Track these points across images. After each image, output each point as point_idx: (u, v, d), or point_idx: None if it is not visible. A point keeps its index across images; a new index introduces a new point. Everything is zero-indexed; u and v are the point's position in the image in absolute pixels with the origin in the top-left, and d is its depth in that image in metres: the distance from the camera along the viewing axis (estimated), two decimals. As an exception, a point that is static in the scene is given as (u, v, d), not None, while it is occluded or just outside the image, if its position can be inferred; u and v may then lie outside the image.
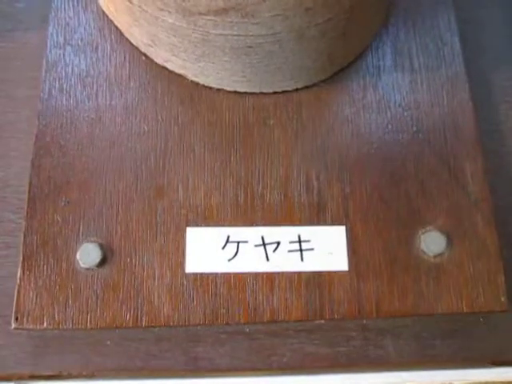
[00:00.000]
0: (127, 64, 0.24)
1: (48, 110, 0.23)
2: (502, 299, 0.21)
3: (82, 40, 0.25)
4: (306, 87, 0.23)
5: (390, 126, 0.23)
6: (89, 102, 0.23)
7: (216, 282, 0.21)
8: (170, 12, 0.18)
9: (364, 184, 0.22)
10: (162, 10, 0.18)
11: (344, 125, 0.23)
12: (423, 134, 0.23)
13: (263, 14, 0.16)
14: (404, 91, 0.24)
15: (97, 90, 0.24)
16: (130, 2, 0.19)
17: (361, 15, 0.21)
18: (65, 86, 0.24)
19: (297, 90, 0.23)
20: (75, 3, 0.25)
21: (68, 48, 0.24)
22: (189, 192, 0.22)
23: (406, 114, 0.23)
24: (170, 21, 0.18)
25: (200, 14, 0.17)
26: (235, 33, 0.18)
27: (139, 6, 0.19)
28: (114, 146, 0.23)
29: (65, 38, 0.25)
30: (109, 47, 0.24)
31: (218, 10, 0.16)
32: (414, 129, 0.23)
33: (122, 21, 0.23)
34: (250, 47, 0.19)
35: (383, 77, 0.24)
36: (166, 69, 0.23)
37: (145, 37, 0.22)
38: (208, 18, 0.17)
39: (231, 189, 0.22)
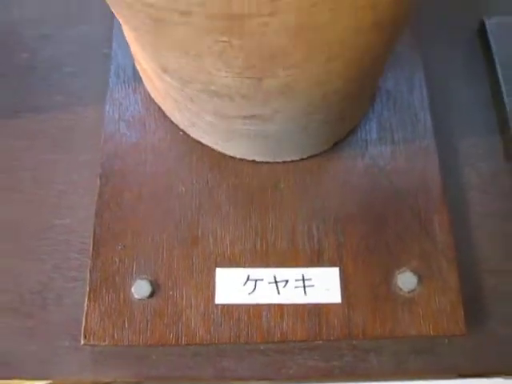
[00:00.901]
0: (168, 137, 0.31)
1: (107, 173, 0.30)
2: (461, 326, 0.27)
3: (132, 117, 0.32)
4: (309, 157, 0.30)
5: (374, 188, 0.30)
6: (139, 167, 0.31)
7: (239, 311, 0.27)
8: (209, 114, 0.25)
9: (354, 234, 0.29)
10: (203, 110, 0.25)
11: (339, 187, 0.30)
12: (400, 194, 0.30)
13: (278, 119, 0.24)
14: (386, 159, 0.31)
15: (145, 158, 0.31)
16: (176, 101, 0.27)
17: (353, 109, 0.29)
18: (120, 153, 0.31)
19: (302, 159, 0.30)
20: (126, 86, 0.33)
21: (122, 123, 0.32)
22: (217, 241, 0.29)
23: (387, 178, 0.31)
24: (208, 119, 0.26)
25: (233, 117, 0.24)
26: (257, 128, 0.25)
27: (185, 105, 0.26)
28: (159, 204, 0.30)
29: (119, 115, 0.32)
30: (153, 124, 0.32)
31: (247, 115, 0.23)
32: (393, 190, 0.30)
33: (166, 106, 0.31)
34: (267, 136, 0.26)
35: (370, 148, 0.31)
36: (200, 142, 0.31)
37: (185, 121, 0.29)
38: (239, 120, 0.24)
39: (250, 238, 0.29)
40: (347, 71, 0.21)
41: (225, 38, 0.15)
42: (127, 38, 0.29)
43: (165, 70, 0.22)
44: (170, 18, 0.15)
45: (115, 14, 0.22)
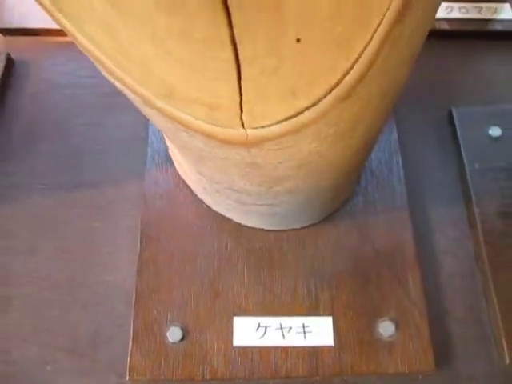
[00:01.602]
0: (194, 210, 0.40)
1: (146, 238, 0.39)
2: (431, 365, 0.35)
3: (166, 193, 0.41)
4: (308, 226, 0.39)
5: (360, 251, 0.38)
6: (171, 233, 0.39)
7: (252, 352, 0.35)
8: (230, 200, 0.33)
9: (344, 290, 0.37)
10: (225, 198, 0.34)
11: (331, 251, 0.38)
12: (381, 257, 0.38)
13: (284, 206, 0.32)
14: (370, 228, 0.39)
15: (176, 226, 0.39)
16: (205, 188, 0.35)
17: (344, 190, 0.37)
18: (156, 222, 0.39)
19: (302, 228, 0.39)
20: (160, 167, 0.42)
21: (157, 197, 0.40)
22: (234, 295, 0.37)
23: (370, 243, 0.38)
24: (229, 202, 0.34)
25: (249, 204, 0.32)
26: (267, 210, 0.33)
27: (211, 192, 0.35)
28: (188, 264, 0.38)
29: (155, 191, 0.41)
30: (183, 198, 0.40)
31: (260, 203, 0.32)
32: (375, 253, 0.38)
33: (194, 188, 0.39)
34: (275, 214, 0.35)
35: (356, 218, 0.39)
36: (220, 214, 0.39)
37: (210, 200, 0.38)
38: (253, 206, 0.32)
39: (261, 293, 0.37)
40: (339, 177, 0.29)
41: (248, 169, 0.24)
42: (167, 143, 0.38)
43: (200, 173, 0.31)
44: (212, 156, 0.23)
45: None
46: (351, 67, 0.16)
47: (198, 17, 0.15)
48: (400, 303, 0.37)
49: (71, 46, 0.20)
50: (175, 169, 0.41)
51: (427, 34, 0.20)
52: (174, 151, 0.39)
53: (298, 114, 0.18)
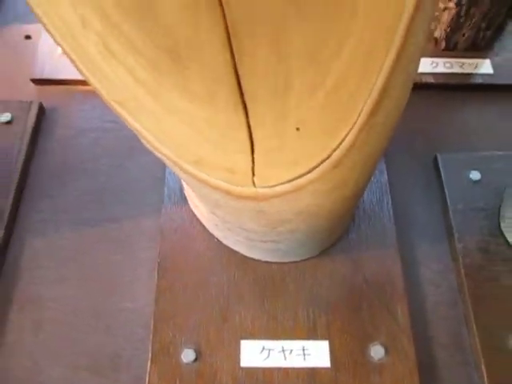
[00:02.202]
0: (206, 244, 0.45)
1: (162, 269, 0.44)
2: (417, 385, 0.39)
3: (180, 228, 0.46)
4: (307, 259, 0.44)
5: (353, 282, 0.43)
6: (185, 264, 0.44)
7: (257, 373, 0.39)
8: (238, 236, 0.39)
9: (339, 316, 0.42)
10: (235, 234, 0.39)
11: (328, 281, 0.43)
12: (372, 287, 0.43)
13: (286, 242, 0.37)
14: (362, 261, 0.44)
15: (189, 257, 0.44)
16: (216, 225, 0.41)
17: (339, 228, 0.42)
18: (171, 254, 0.44)
19: (302, 260, 0.44)
20: (176, 205, 0.47)
21: (173, 232, 0.46)
22: (241, 320, 0.41)
23: (362, 275, 0.43)
24: (237, 238, 0.39)
25: (255, 240, 0.37)
26: (271, 246, 0.38)
27: (222, 229, 0.40)
28: (200, 292, 0.43)
29: (171, 226, 0.46)
30: (195, 233, 0.46)
31: (265, 240, 0.37)
32: (367, 283, 0.43)
33: (206, 224, 0.44)
34: (278, 250, 0.40)
35: (350, 252, 0.44)
36: (229, 248, 0.44)
37: (220, 235, 0.43)
38: (259, 242, 0.38)
39: (265, 319, 0.41)
40: (334, 220, 0.35)
41: (256, 215, 0.29)
42: (183, 184, 0.44)
43: (213, 213, 0.36)
44: (227, 204, 0.29)
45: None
46: (337, 147, 0.21)
47: (224, 109, 0.21)
48: (389, 329, 0.41)
49: (96, 94, 0.24)
50: (189, 206, 0.47)
51: (402, 110, 0.26)
52: (189, 192, 0.44)
53: (298, 178, 0.23)
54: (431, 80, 0.54)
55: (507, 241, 0.45)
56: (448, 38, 0.54)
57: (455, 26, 0.52)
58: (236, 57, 0.18)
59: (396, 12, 0.16)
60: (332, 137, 0.21)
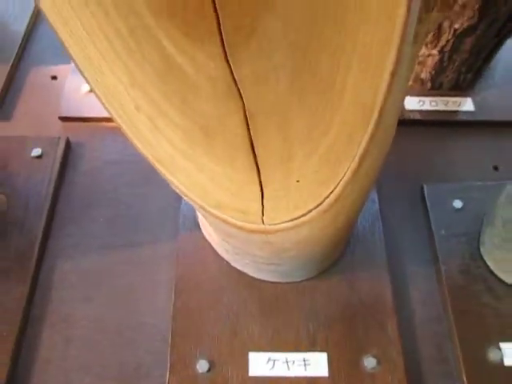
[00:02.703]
0: (217, 266, 0.51)
1: (179, 289, 0.50)
2: (406, 393, 0.45)
3: (194, 252, 0.52)
4: (307, 279, 0.49)
5: (349, 300, 0.49)
6: (199, 285, 0.50)
7: (264, 381, 0.45)
8: (246, 259, 0.44)
9: (336, 331, 0.47)
10: (243, 258, 0.45)
11: (326, 299, 0.49)
12: (365, 306, 0.49)
13: (287, 265, 0.43)
14: (356, 282, 0.50)
15: (202, 279, 0.50)
16: (227, 250, 0.47)
17: (335, 252, 0.48)
18: (186, 276, 0.50)
19: (302, 281, 0.49)
20: (190, 231, 0.53)
21: (187, 256, 0.51)
22: (250, 334, 0.47)
23: (357, 294, 0.49)
24: (245, 261, 0.45)
25: (261, 263, 0.43)
26: (274, 268, 0.44)
27: (232, 253, 0.46)
28: (213, 309, 0.48)
29: (185, 250, 0.52)
30: (207, 256, 0.52)
31: (269, 263, 0.43)
32: (361, 302, 0.49)
33: (218, 249, 0.50)
34: (280, 271, 0.46)
35: (345, 274, 0.50)
36: (237, 269, 0.50)
37: (230, 258, 0.49)
38: (264, 265, 0.44)
39: (270, 332, 0.47)
40: (330, 246, 0.41)
41: (263, 245, 0.35)
42: (198, 214, 0.50)
43: (225, 241, 0.42)
44: (238, 236, 0.35)
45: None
46: (328, 196, 0.28)
47: (242, 170, 0.27)
48: (381, 343, 0.47)
49: (118, 129, 0.29)
50: (202, 233, 0.53)
51: (382, 162, 0.32)
52: (202, 221, 0.50)
53: (297, 218, 0.30)
54: (418, 117, 0.60)
55: (486, 263, 0.50)
56: (433, 79, 0.60)
57: (439, 69, 0.59)
58: (252, 133, 0.25)
59: (373, 98, 0.23)
60: (324, 188, 0.27)
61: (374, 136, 0.24)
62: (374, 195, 0.55)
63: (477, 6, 0.50)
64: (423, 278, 0.52)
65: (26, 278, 0.51)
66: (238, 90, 0.23)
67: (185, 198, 0.30)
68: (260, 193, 0.28)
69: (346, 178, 0.27)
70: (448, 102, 0.61)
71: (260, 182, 0.27)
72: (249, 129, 0.25)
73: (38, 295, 0.51)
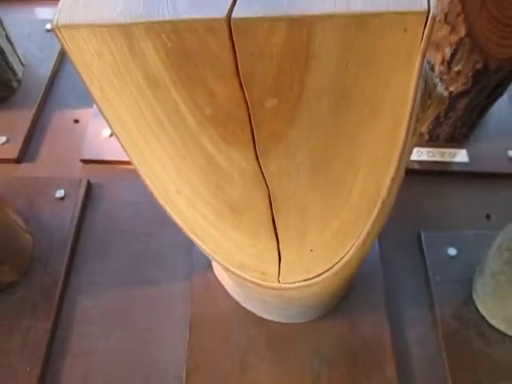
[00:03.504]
0: (227, 304, 0.55)
1: (193, 327, 0.54)
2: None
3: (205, 291, 0.56)
4: (312, 320, 0.54)
5: (351, 341, 0.53)
6: (211, 322, 0.54)
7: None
8: (256, 302, 0.49)
9: (339, 368, 0.52)
10: (251, 299, 0.49)
11: (330, 338, 0.53)
12: (366, 345, 0.53)
13: (293, 310, 0.47)
14: (358, 323, 0.54)
15: (214, 316, 0.54)
16: (238, 294, 0.51)
17: (337, 296, 0.52)
18: (200, 315, 0.54)
19: (308, 321, 0.54)
20: (203, 270, 0.57)
21: (201, 296, 0.56)
22: (257, 370, 0.51)
23: (358, 335, 0.53)
24: (255, 304, 0.49)
25: (270, 308, 0.48)
26: (282, 311, 0.49)
27: (244, 295, 0.50)
28: (224, 347, 0.53)
29: (199, 291, 0.56)
30: (218, 295, 0.56)
31: (278, 308, 0.47)
32: (362, 343, 0.53)
33: (227, 288, 0.55)
34: (287, 314, 0.50)
35: (348, 315, 0.54)
36: (247, 309, 0.54)
37: (239, 299, 0.53)
38: (274, 309, 0.48)
39: (277, 369, 0.51)
40: (334, 295, 0.45)
41: (276, 296, 0.39)
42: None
43: (239, 288, 0.47)
44: (253, 289, 0.39)
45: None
46: (337, 262, 0.32)
47: (263, 241, 0.32)
48: (380, 380, 0.51)
49: (135, 172, 0.32)
50: (213, 272, 0.57)
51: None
52: (216, 264, 0.55)
53: (310, 279, 0.34)
54: (416, 166, 0.66)
55: (478, 310, 0.55)
56: (430, 132, 0.66)
57: (436, 124, 0.64)
58: (274, 212, 0.29)
59: (377, 194, 0.27)
60: (334, 257, 0.32)
61: (377, 219, 0.29)
62: (375, 242, 0.60)
63: (470, 74, 0.55)
64: (420, 321, 0.56)
65: (50, 313, 0.55)
66: (265, 180, 0.28)
67: (210, 258, 0.35)
68: (278, 258, 0.33)
69: (352, 250, 0.31)
70: (444, 153, 0.66)
71: (278, 249, 0.32)
72: (271, 209, 0.29)
73: (60, 330, 0.55)
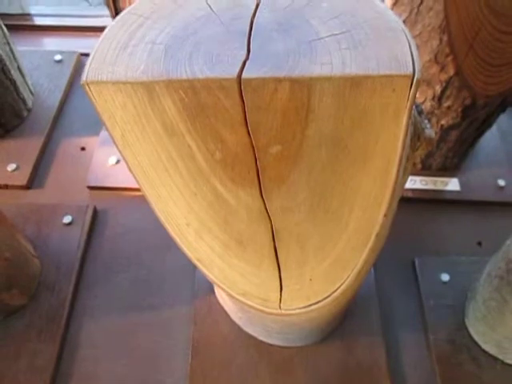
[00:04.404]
0: (229, 328, 0.57)
1: (195, 351, 0.55)
2: None
3: (208, 317, 0.58)
4: (311, 344, 0.56)
5: (348, 364, 0.55)
6: (213, 348, 0.56)
7: None
8: (257, 327, 0.51)
9: (336, 394, 0.53)
10: (252, 324, 0.51)
11: (327, 362, 0.55)
12: (363, 368, 0.55)
13: (295, 333, 0.50)
14: (355, 347, 0.56)
15: (216, 341, 0.56)
16: (240, 318, 0.53)
17: (336, 322, 0.55)
18: (202, 339, 0.56)
19: (306, 345, 0.56)
20: (205, 295, 0.59)
21: (204, 321, 0.58)
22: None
23: (355, 358, 0.55)
24: (257, 329, 0.52)
25: (271, 331, 0.50)
26: (283, 336, 0.51)
27: (244, 320, 0.52)
28: (225, 370, 0.54)
29: (201, 316, 0.58)
30: (221, 319, 0.58)
31: (279, 332, 0.49)
32: (357, 364, 0.55)
33: (229, 313, 0.57)
34: (288, 339, 0.52)
35: (345, 339, 0.57)
36: (248, 333, 0.56)
37: (240, 323, 0.55)
38: (275, 333, 0.50)
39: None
40: (332, 321, 0.47)
41: (277, 321, 0.42)
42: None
43: (241, 313, 0.49)
44: (256, 314, 0.42)
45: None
46: (335, 291, 0.35)
47: (266, 270, 0.34)
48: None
49: (140, 198, 0.36)
50: (216, 297, 0.59)
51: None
52: (219, 289, 0.57)
53: (309, 306, 0.36)
54: (410, 194, 0.69)
55: (470, 334, 0.57)
56: (423, 162, 0.69)
57: (429, 154, 0.67)
58: (276, 243, 0.32)
59: (371, 229, 0.30)
60: (332, 285, 0.34)
61: (373, 248, 0.32)
62: (371, 268, 0.62)
63: (460, 109, 0.58)
64: (415, 345, 0.58)
65: (56, 337, 0.57)
66: (268, 215, 0.31)
67: (215, 284, 0.37)
68: (279, 286, 0.35)
69: (349, 279, 0.34)
70: (436, 181, 0.70)
71: (280, 278, 0.34)
72: (274, 241, 0.32)
73: (65, 354, 0.57)
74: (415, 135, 0.33)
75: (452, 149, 0.66)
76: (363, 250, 0.32)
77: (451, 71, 0.56)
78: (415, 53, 0.24)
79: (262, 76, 0.24)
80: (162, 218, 0.32)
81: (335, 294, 0.35)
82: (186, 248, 0.34)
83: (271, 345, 0.56)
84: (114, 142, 0.29)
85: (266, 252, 0.33)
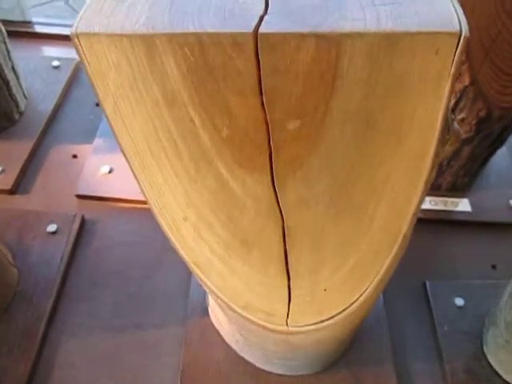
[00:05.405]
0: (223, 353, 0.52)
1: (185, 377, 0.50)
2: None
3: (201, 337, 0.53)
4: (314, 373, 0.50)
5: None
6: (205, 372, 0.50)
7: None
8: (257, 351, 0.46)
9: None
10: (252, 345, 0.46)
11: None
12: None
13: (298, 360, 0.44)
14: (362, 375, 0.51)
15: (209, 363, 0.51)
16: (237, 341, 0.48)
17: (342, 347, 0.50)
18: (193, 361, 0.51)
19: (308, 374, 0.50)
20: (198, 316, 0.54)
21: (195, 343, 0.52)
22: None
23: (348, 369, 0.50)
24: (255, 353, 0.46)
25: (273, 357, 0.45)
26: (285, 362, 0.46)
27: (243, 342, 0.47)
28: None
29: (196, 338, 0.53)
30: (215, 342, 0.53)
31: (280, 358, 0.44)
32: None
33: (225, 336, 0.52)
34: (289, 365, 0.47)
35: (352, 367, 0.51)
36: (244, 358, 0.51)
37: (237, 348, 0.50)
38: (276, 359, 0.45)
39: None
40: (338, 345, 0.42)
41: (281, 342, 0.37)
42: (210, 302, 0.52)
43: (240, 334, 0.44)
44: (258, 333, 0.37)
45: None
46: (352, 304, 0.30)
47: (273, 276, 0.30)
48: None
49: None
50: (209, 318, 0.54)
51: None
52: (212, 308, 0.52)
53: (321, 322, 0.32)
54: (420, 215, 0.64)
55: (490, 364, 0.52)
56: (433, 181, 0.65)
57: (439, 172, 0.64)
58: (287, 245, 0.28)
59: (399, 228, 0.26)
60: (349, 297, 0.30)
61: (397, 255, 0.28)
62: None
63: (474, 122, 0.55)
64: (429, 374, 0.53)
65: (30, 355, 0.51)
66: (280, 209, 0.26)
67: (214, 298, 0.33)
68: (288, 297, 0.31)
69: (369, 289, 0.29)
70: (447, 202, 0.66)
71: (289, 287, 0.30)
72: (285, 241, 0.28)
73: (39, 374, 0.51)
74: (446, 125, 0.29)
75: (464, 167, 0.62)
76: (387, 255, 0.27)
77: (466, 80, 0.53)
78: (459, 9, 0.21)
79: (282, 31, 0.20)
80: (155, 211, 0.28)
81: (351, 307, 0.30)
82: (181, 248, 0.30)
83: (270, 372, 0.51)
84: (106, 116, 0.25)
85: (275, 255, 0.28)
